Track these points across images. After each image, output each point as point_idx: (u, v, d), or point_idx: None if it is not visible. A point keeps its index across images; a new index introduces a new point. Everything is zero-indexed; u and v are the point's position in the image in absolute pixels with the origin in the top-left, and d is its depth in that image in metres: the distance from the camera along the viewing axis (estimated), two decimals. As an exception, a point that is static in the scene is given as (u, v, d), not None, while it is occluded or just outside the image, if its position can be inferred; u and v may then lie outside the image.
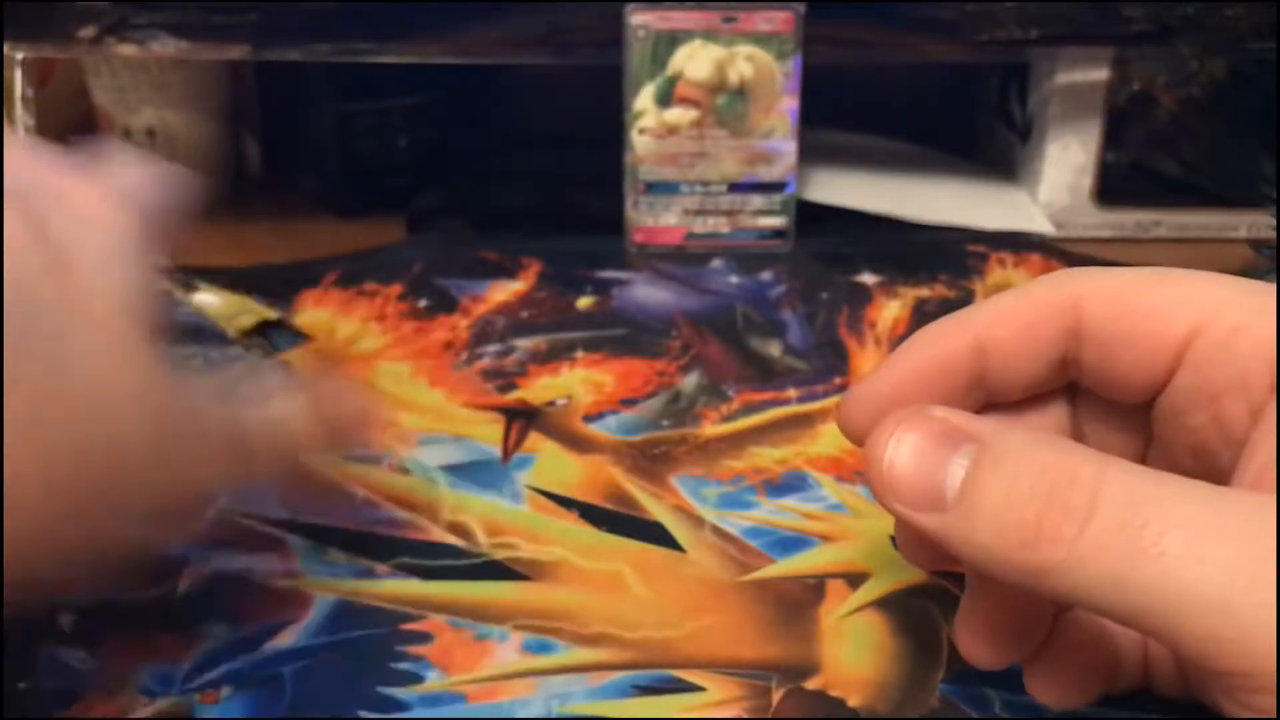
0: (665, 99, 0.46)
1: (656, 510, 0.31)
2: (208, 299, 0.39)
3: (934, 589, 0.28)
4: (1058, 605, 0.24)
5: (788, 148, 0.47)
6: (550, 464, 0.33)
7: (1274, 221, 0.50)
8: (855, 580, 0.29)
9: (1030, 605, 0.23)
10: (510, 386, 0.37)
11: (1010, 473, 0.19)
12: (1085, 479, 0.18)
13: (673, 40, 0.46)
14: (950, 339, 0.23)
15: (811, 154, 0.50)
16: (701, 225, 0.48)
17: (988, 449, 0.19)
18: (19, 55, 0.47)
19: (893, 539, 0.30)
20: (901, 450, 0.20)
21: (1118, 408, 0.23)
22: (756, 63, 0.46)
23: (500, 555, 0.29)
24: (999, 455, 0.19)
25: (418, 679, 0.26)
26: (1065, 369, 0.23)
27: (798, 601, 0.28)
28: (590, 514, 0.31)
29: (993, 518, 0.19)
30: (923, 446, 0.20)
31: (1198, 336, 0.21)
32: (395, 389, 0.37)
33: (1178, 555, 0.17)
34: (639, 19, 0.45)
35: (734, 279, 0.45)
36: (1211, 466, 0.21)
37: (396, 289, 0.44)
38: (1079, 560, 0.18)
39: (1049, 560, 0.18)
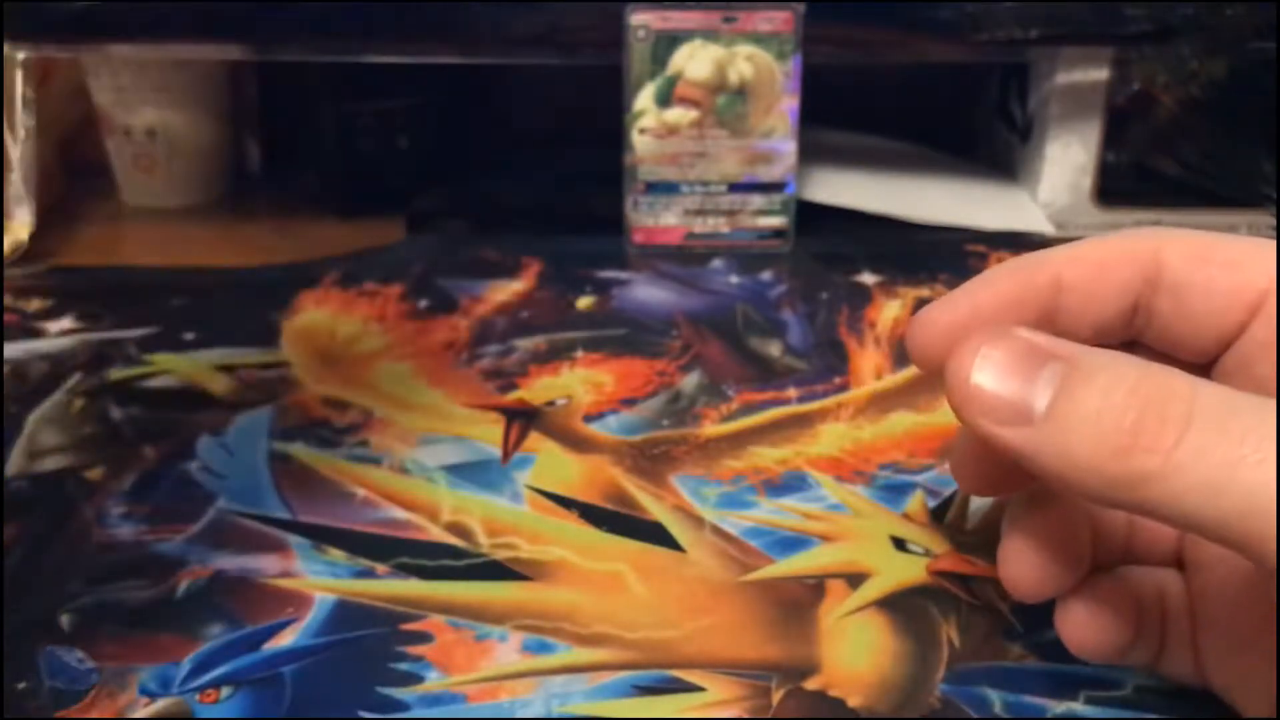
0: (665, 99, 0.46)
1: (656, 510, 0.31)
2: None
3: (934, 589, 0.28)
4: (1099, 555, 0.24)
5: (788, 148, 0.47)
6: (550, 464, 0.33)
7: (1274, 221, 0.50)
8: (855, 580, 0.29)
9: (1076, 536, 0.23)
10: (510, 386, 0.37)
11: (1104, 385, 0.19)
12: (1181, 390, 0.18)
13: (673, 40, 0.46)
14: (1030, 271, 0.23)
15: (811, 154, 0.50)
16: (701, 225, 0.48)
17: (1078, 365, 0.19)
18: (19, 55, 0.47)
19: (893, 539, 0.30)
20: (986, 366, 0.20)
21: (1178, 365, 0.23)
22: (756, 63, 0.46)
23: (500, 555, 0.29)
24: (1091, 370, 0.19)
25: (418, 679, 0.26)
26: (1134, 319, 0.23)
27: (798, 601, 0.28)
28: (590, 514, 0.31)
29: (1087, 428, 0.19)
30: (1009, 362, 0.20)
31: (1274, 291, 0.21)
32: (395, 389, 0.37)
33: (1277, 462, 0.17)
34: (639, 19, 0.45)
35: (734, 279, 0.45)
36: None
37: (397, 289, 0.44)
38: (1177, 468, 0.18)
39: (1145, 467, 0.18)
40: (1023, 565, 0.24)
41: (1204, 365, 0.23)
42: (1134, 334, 0.24)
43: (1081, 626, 0.24)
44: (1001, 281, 0.23)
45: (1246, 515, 0.17)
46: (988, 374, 0.20)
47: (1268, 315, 0.22)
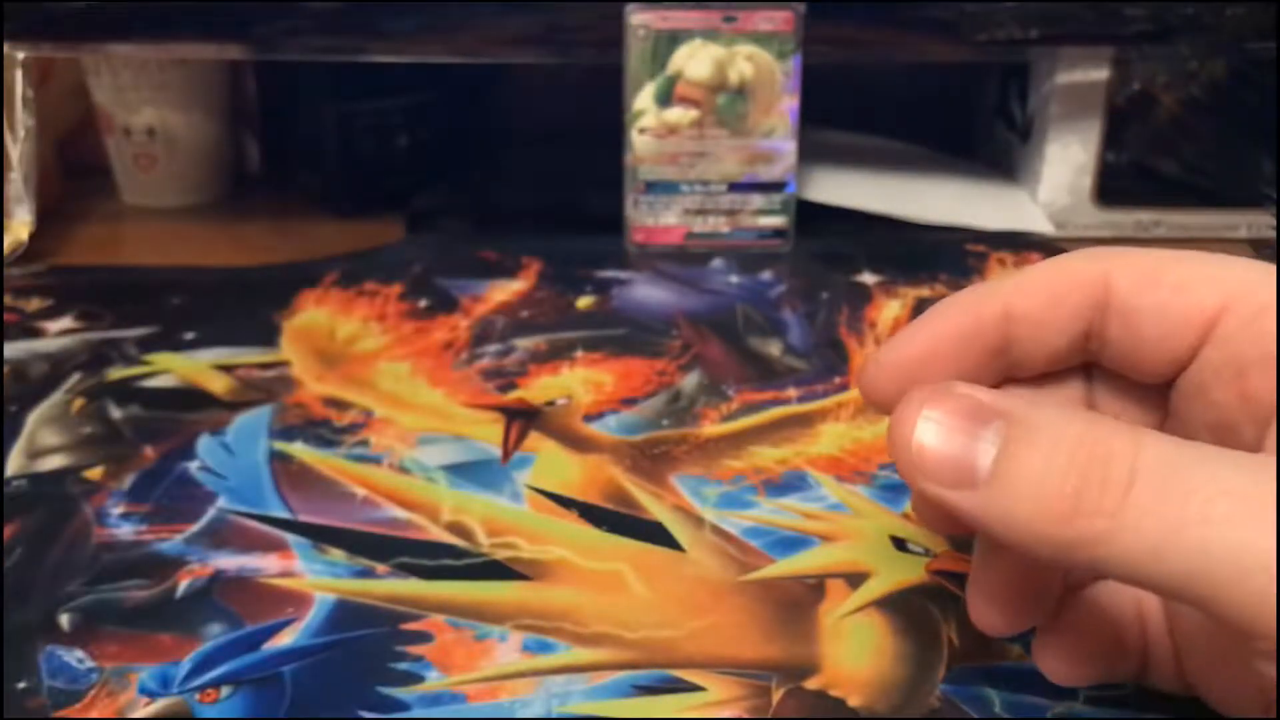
0: (665, 99, 0.46)
1: (656, 510, 0.31)
2: None
3: (934, 589, 0.28)
4: (1070, 578, 0.24)
5: (788, 147, 0.47)
6: (550, 464, 0.33)
7: (1274, 221, 0.50)
8: (855, 580, 0.29)
9: (1040, 574, 0.23)
10: (510, 386, 0.37)
11: (1045, 447, 0.19)
12: (1122, 450, 0.18)
13: (673, 40, 0.46)
14: (978, 305, 0.23)
15: (811, 154, 0.50)
16: (701, 225, 0.48)
17: (1019, 424, 0.19)
18: (19, 55, 0.47)
19: (893, 539, 0.30)
20: (929, 429, 0.20)
21: (1134, 386, 0.23)
22: (757, 62, 0.46)
23: (500, 555, 0.29)
24: (1031, 430, 0.19)
25: (418, 679, 0.26)
26: (1088, 344, 0.23)
27: (798, 601, 0.28)
28: (590, 514, 0.31)
29: (1029, 493, 0.19)
30: (950, 424, 0.20)
31: (1226, 312, 0.21)
32: (395, 388, 0.37)
33: (1223, 519, 0.17)
34: (639, 18, 0.45)
35: (734, 278, 0.45)
36: (1232, 443, 0.21)
37: (397, 289, 0.44)
38: (1121, 531, 0.18)
39: (1089, 533, 0.18)
40: (991, 605, 0.23)
41: (1163, 386, 0.23)
42: (1089, 358, 0.23)
43: (1058, 657, 0.23)
44: (950, 317, 0.23)
45: (1191, 577, 0.17)
46: (930, 435, 0.20)
47: (1219, 339, 0.21)
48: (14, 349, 0.40)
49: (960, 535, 0.29)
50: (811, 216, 0.48)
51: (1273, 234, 0.50)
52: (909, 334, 0.23)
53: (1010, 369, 0.23)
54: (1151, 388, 0.23)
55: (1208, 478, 0.18)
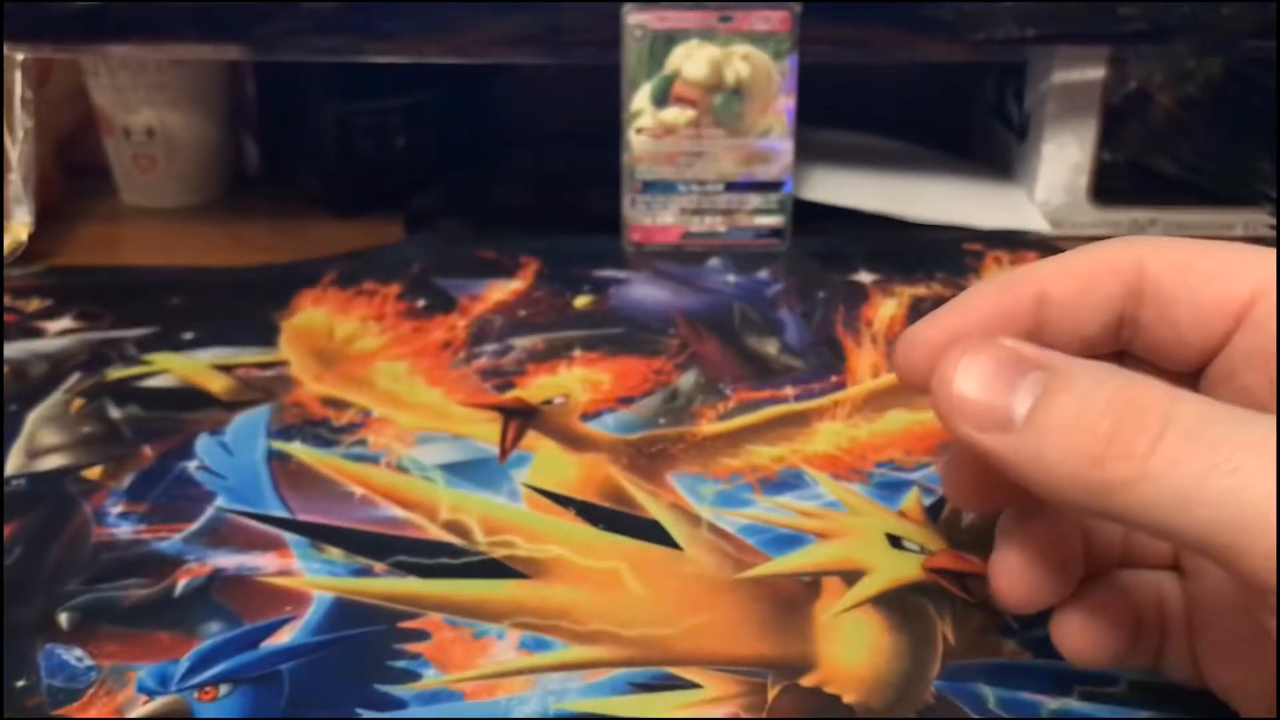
0: (662, 98, 0.47)
1: (653, 508, 0.31)
2: None
3: (930, 586, 0.28)
4: (1093, 559, 0.24)
5: (784, 147, 0.47)
6: (548, 462, 0.33)
7: (1271, 220, 0.50)
8: (851, 577, 0.29)
9: (1065, 548, 0.23)
10: (508, 385, 0.38)
11: (1082, 394, 0.19)
12: (1158, 399, 0.19)
13: (669, 40, 0.46)
14: (1013, 287, 0.23)
15: (808, 153, 0.50)
16: (699, 224, 0.48)
17: (1058, 373, 0.20)
18: (18, 56, 0.47)
19: (889, 537, 0.30)
20: (970, 374, 0.20)
21: (1163, 376, 0.23)
22: (753, 62, 0.46)
23: (498, 553, 0.30)
24: (1070, 378, 0.19)
25: (415, 676, 0.26)
26: (1120, 331, 0.23)
27: (794, 599, 0.28)
28: (587, 512, 0.31)
29: (1063, 435, 0.19)
30: (992, 370, 0.20)
31: (1259, 299, 0.21)
32: (393, 388, 0.37)
33: (1250, 471, 0.17)
34: (636, 19, 0.46)
35: (731, 278, 0.46)
36: None
37: (395, 288, 0.44)
38: (1150, 476, 0.18)
39: (1119, 476, 0.18)
40: (1013, 578, 0.24)
41: (1191, 375, 0.23)
42: (1122, 345, 0.24)
43: (1076, 636, 0.24)
44: (986, 298, 0.23)
45: (1216, 525, 0.17)
46: (971, 381, 0.20)
47: (1252, 324, 0.22)
48: (14, 349, 0.40)
49: (986, 513, 0.28)
50: (808, 216, 0.49)
51: (1269, 232, 0.50)
52: (943, 312, 0.24)
53: None
54: (1180, 377, 0.23)
55: (1236, 431, 0.18)
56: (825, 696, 0.25)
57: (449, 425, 0.35)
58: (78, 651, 0.26)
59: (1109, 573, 0.25)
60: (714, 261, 0.47)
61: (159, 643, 0.27)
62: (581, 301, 0.43)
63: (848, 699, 0.25)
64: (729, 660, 0.26)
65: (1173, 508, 0.18)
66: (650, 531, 0.30)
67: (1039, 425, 0.19)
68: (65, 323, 0.42)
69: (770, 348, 0.40)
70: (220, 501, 0.32)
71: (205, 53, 0.50)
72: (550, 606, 0.28)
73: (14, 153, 0.48)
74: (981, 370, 0.20)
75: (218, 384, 0.38)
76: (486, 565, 0.29)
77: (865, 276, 0.45)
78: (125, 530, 0.30)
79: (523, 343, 0.40)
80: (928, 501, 0.32)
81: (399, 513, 0.31)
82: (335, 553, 0.30)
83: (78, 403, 0.37)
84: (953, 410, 0.21)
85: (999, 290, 0.23)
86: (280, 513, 0.31)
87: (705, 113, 0.47)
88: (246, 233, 0.53)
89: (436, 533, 0.30)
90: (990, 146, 0.58)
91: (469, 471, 0.33)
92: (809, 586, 0.28)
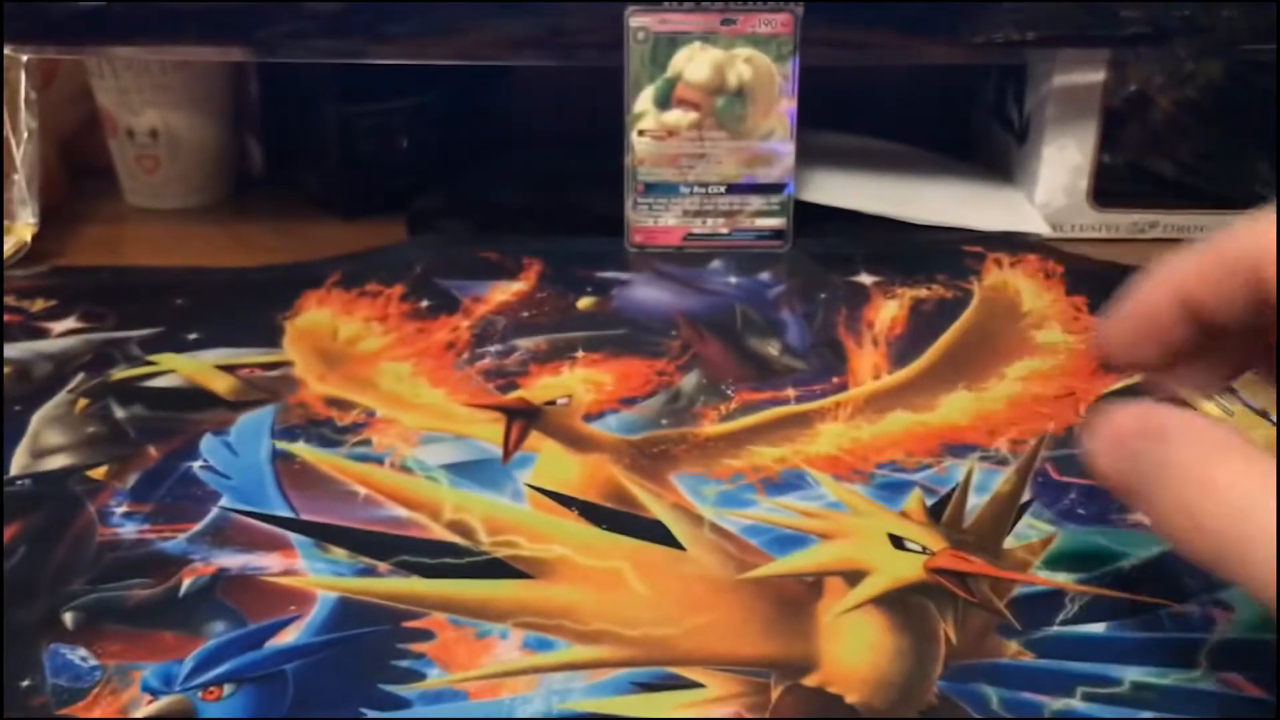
0: (665, 101, 0.47)
1: (656, 508, 0.31)
2: None
3: (932, 586, 0.29)
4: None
5: (786, 149, 0.47)
6: (551, 463, 0.34)
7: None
8: (853, 578, 0.29)
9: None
10: (511, 386, 0.38)
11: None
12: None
13: (672, 42, 0.46)
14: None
15: (810, 155, 0.50)
16: (701, 226, 0.48)
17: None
18: (22, 57, 0.48)
19: (891, 537, 0.30)
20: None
21: None
22: (755, 65, 0.46)
23: (501, 553, 0.30)
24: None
25: (419, 676, 0.26)
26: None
27: (796, 599, 0.28)
28: (590, 512, 0.31)
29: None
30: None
31: None
32: (397, 388, 0.38)
33: None
34: (638, 21, 0.46)
35: (733, 279, 0.46)
36: None
37: (398, 289, 0.44)
38: None
39: None
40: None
41: None
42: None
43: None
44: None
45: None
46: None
47: None
48: (18, 349, 0.40)
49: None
50: (810, 218, 0.49)
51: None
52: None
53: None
54: None
55: None
56: (828, 696, 0.25)
57: (452, 426, 0.35)
58: (82, 651, 0.26)
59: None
60: (716, 263, 0.47)
61: (163, 642, 0.27)
62: (584, 303, 0.44)
63: (850, 699, 0.25)
64: (732, 660, 0.26)
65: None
66: (653, 532, 0.31)
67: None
68: (69, 323, 0.42)
69: (772, 349, 0.40)
70: (224, 501, 0.32)
71: (209, 54, 0.50)
72: (553, 606, 0.28)
73: (18, 153, 0.48)
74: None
75: (222, 384, 0.38)
76: (490, 565, 0.29)
77: (866, 278, 0.45)
78: (130, 530, 0.31)
79: (525, 344, 0.40)
80: (929, 502, 0.32)
81: (403, 513, 0.31)
82: (339, 552, 0.30)
83: (82, 403, 0.37)
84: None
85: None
86: (284, 513, 0.31)
87: (707, 115, 0.47)
88: (250, 234, 0.53)
89: (440, 533, 0.30)
90: (990, 149, 0.58)
91: (472, 472, 0.33)
92: (811, 587, 0.29)
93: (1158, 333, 0.25)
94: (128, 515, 0.31)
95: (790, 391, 0.37)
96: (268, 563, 0.29)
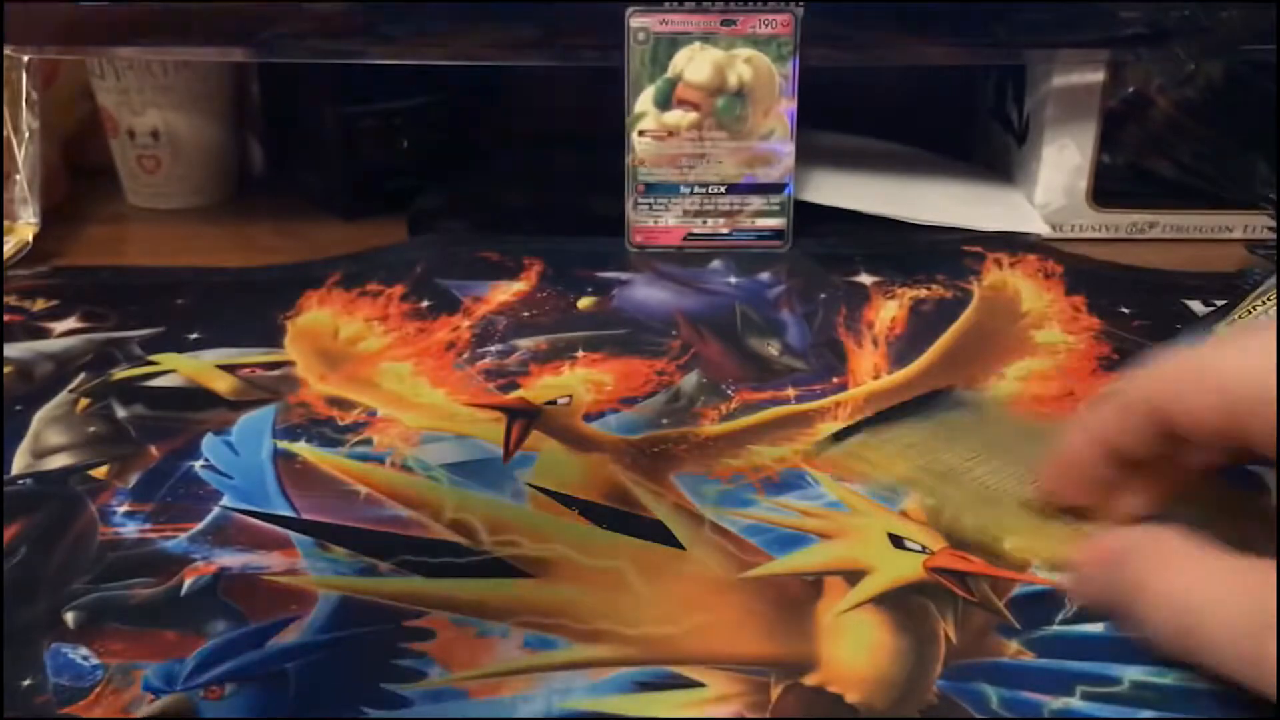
0: (665, 101, 0.47)
1: (656, 508, 0.32)
2: None
3: (932, 586, 0.29)
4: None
5: (786, 149, 0.48)
6: (551, 462, 0.34)
7: (1270, 222, 0.50)
8: (853, 577, 0.29)
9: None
10: (512, 386, 0.38)
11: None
12: None
13: (672, 43, 0.46)
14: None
15: (810, 156, 0.50)
16: (701, 226, 0.48)
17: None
18: (24, 57, 0.48)
19: (891, 537, 0.30)
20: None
21: None
22: (755, 65, 0.46)
23: (502, 553, 0.30)
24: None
25: (420, 675, 0.26)
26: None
27: (796, 598, 0.28)
28: (591, 512, 0.31)
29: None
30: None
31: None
32: (398, 388, 0.38)
33: None
34: (639, 22, 0.46)
35: (733, 279, 0.46)
36: None
37: (399, 289, 0.44)
38: None
39: None
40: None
41: None
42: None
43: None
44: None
45: None
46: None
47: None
48: (19, 349, 0.40)
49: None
50: (810, 218, 0.49)
51: (1269, 234, 0.50)
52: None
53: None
54: None
55: None
56: (828, 696, 0.25)
57: (453, 425, 0.35)
58: (84, 650, 0.26)
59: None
60: (716, 263, 0.47)
61: (165, 641, 0.27)
62: (585, 303, 0.44)
63: (850, 698, 0.25)
64: (732, 659, 0.26)
65: None
66: (653, 531, 0.31)
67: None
68: (71, 323, 0.42)
69: (772, 349, 0.40)
70: (226, 501, 0.32)
71: (210, 55, 0.51)
72: (554, 606, 0.28)
73: (20, 153, 0.49)
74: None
75: (223, 384, 0.38)
76: (491, 564, 0.29)
77: (866, 278, 0.45)
78: (131, 529, 0.31)
79: (526, 343, 0.40)
80: (929, 501, 0.32)
81: (404, 512, 0.31)
82: (340, 552, 0.30)
83: (83, 402, 0.37)
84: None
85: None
86: (286, 512, 0.31)
87: (708, 115, 0.47)
88: (251, 234, 0.53)
89: (441, 532, 0.30)
90: (990, 149, 0.58)
91: (473, 471, 0.33)
92: (811, 586, 0.29)
93: (1090, 476, 0.29)
94: (129, 514, 0.31)
95: (790, 391, 0.38)
96: (269, 562, 0.29)
